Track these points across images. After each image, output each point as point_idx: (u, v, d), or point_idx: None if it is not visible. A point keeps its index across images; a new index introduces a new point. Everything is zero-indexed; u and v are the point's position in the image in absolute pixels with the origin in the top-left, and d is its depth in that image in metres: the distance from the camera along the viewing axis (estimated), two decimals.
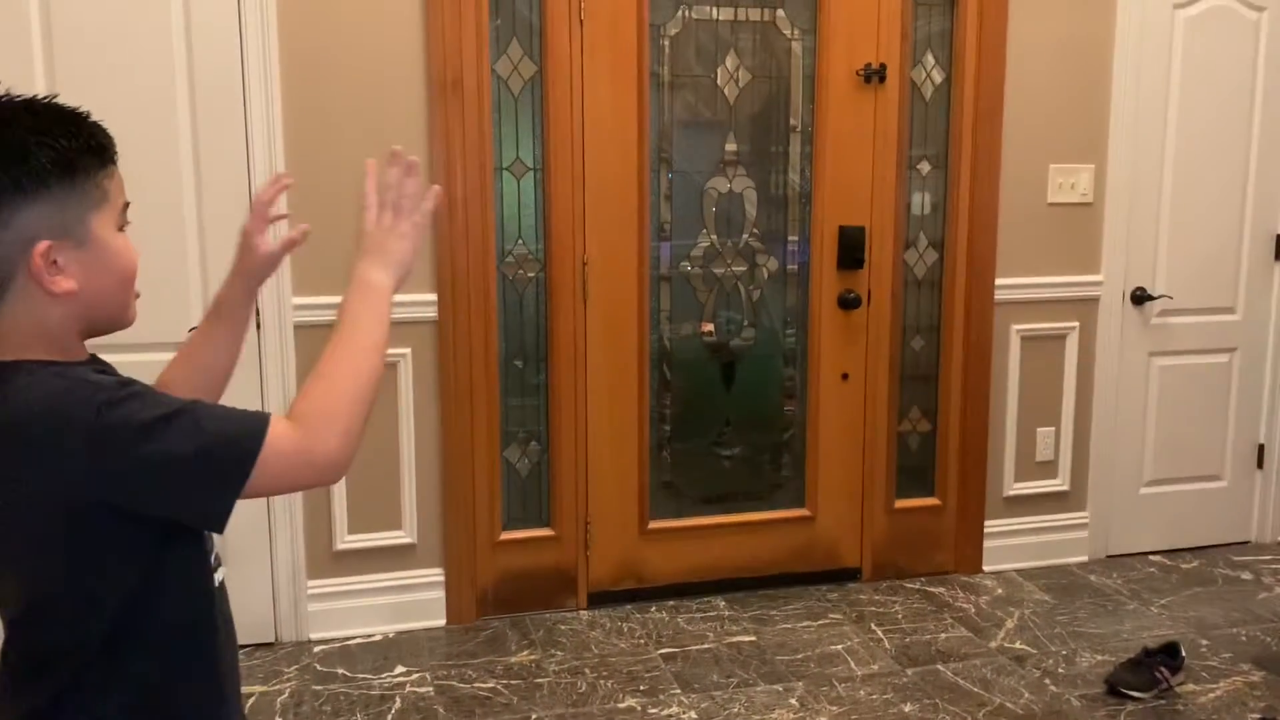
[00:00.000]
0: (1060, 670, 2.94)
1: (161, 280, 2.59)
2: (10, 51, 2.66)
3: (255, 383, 2.89)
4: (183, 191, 2.84)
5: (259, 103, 2.86)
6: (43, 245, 1.06)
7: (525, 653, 3.02)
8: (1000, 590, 3.47)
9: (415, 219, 1.30)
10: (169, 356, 1.41)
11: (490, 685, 2.83)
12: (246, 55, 2.84)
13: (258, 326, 2.88)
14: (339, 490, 3.05)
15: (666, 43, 3.22)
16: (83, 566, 1.09)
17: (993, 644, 3.10)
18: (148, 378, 1.20)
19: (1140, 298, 3.63)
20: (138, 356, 1.49)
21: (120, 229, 1.15)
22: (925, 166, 3.45)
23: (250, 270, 1.42)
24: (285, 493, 1.16)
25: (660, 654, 3.02)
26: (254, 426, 1.07)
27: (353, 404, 1.13)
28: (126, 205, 1.17)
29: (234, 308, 1.41)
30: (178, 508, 1.09)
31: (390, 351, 3.12)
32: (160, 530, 1.11)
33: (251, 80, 2.85)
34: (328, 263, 2.94)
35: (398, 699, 2.75)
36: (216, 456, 1.05)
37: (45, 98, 1.14)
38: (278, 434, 1.07)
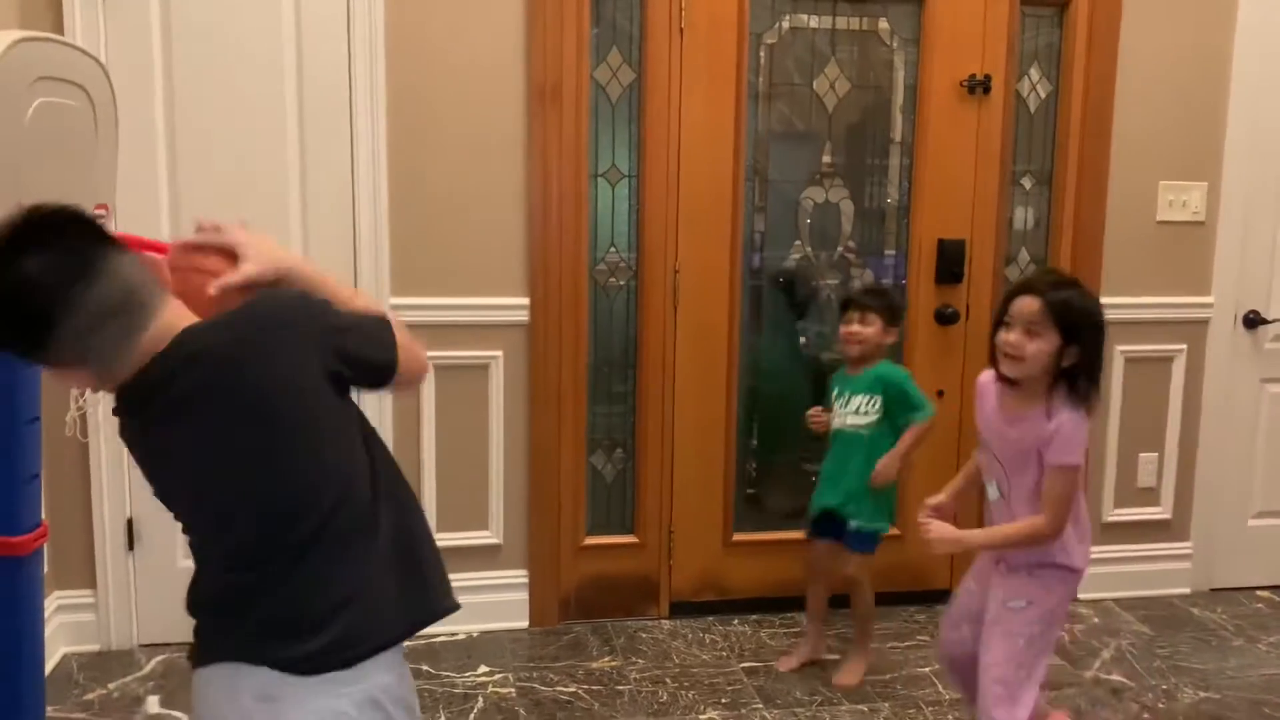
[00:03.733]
0: (1160, 705, 2.82)
1: None
2: (132, 53, 2.77)
3: None
4: (289, 195, 2.92)
5: (364, 108, 2.92)
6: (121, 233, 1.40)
7: (607, 659, 3.02)
8: (1096, 619, 3.36)
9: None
10: None
11: (572, 689, 2.83)
12: (354, 61, 2.90)
13: None
14: (428, 488, 3.09)
15: (765, 52, 3.20)
16: (335, 440, 1.35)
17: (1088, 674, 2.99)
18: None
19: (1253, 321, 3.48)
20: None
21: None
22: (1029, 181, 3.37)
23: None
24: (407, 371, 1.43)
25: (742, 667, 2.98)
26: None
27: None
28: None
29: None
30: (371, 360, 1.37)
31: (481, 353, 3.17)
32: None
33: (358, 86, 2.91)
34: (426, 265, 3.00)
35: (480, 698, 2.77)
36: (379, 320, 1.41)
37: None
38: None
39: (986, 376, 2.23)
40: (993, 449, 2.20)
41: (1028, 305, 2.07)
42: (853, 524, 2.85)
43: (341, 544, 1.35)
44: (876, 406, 2.84)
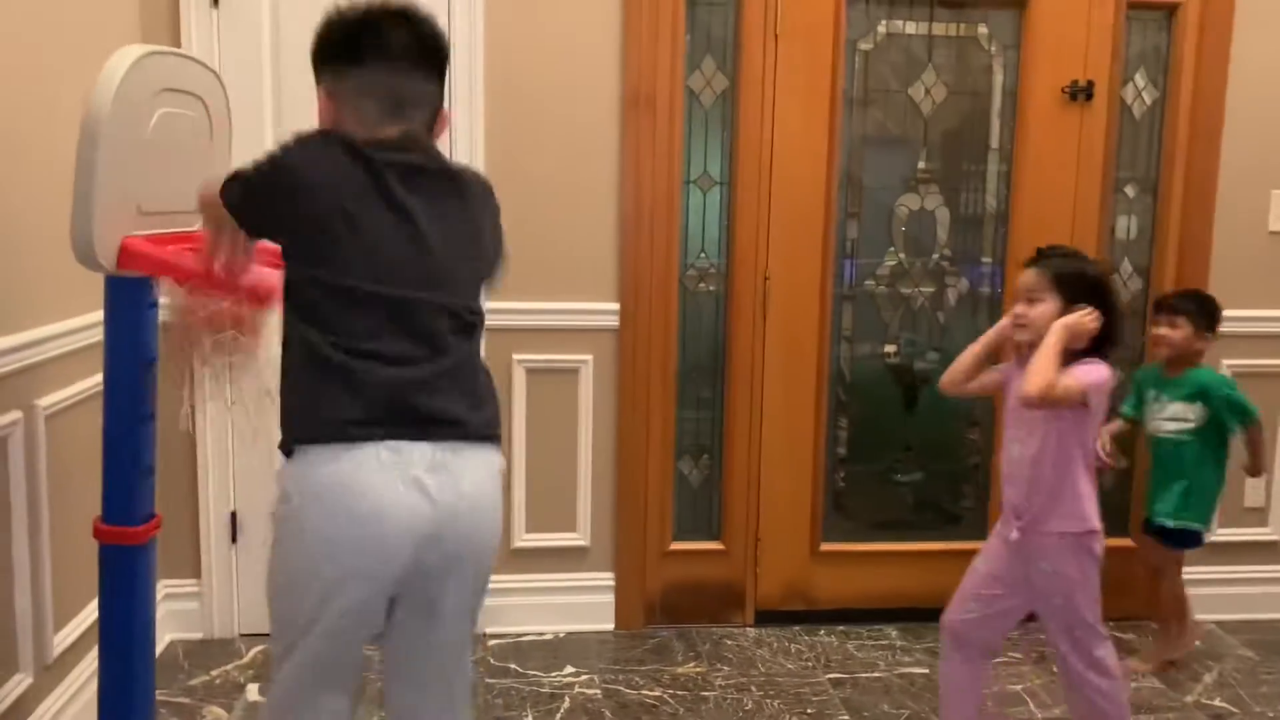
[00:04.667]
0: None
1: None
2: (244, 60, 2.88)
3: None
4: None
5: (463, 115, 2.98)
6: (448, 113, 1.72)
7: (692, 664, 3.02)
8: (1199, 642, 3.24)
9: None
10: None
11: (657, 694, 2.85)
12: (453, 66, 2.95)
13: None
14: (518, 488, 3.14)
15: (860, 58, 3.18)
16: None
17: (1189, 698, 2.89)
18: None
19: None
20: None
21: None
22: (1132, 189, 3.28)
23: None
24: None
25: (829, 678, 2.96)
26: None
27: None
28: None
29: None
30: None
31: (572, 357, 3.20)
32: None
33: (456, 91, 2.97)
34: (520, 268, 3.03)
35: (566, 699, 2.80)
36: None
37: None
38: None
39: (1004, 365, 2.37)
40: (1021, 413, 2.24)
41: (1026, 277, 2.25)
42: (1169, 523, 2.98)
43: None
44: (1197, 415, 2.91)
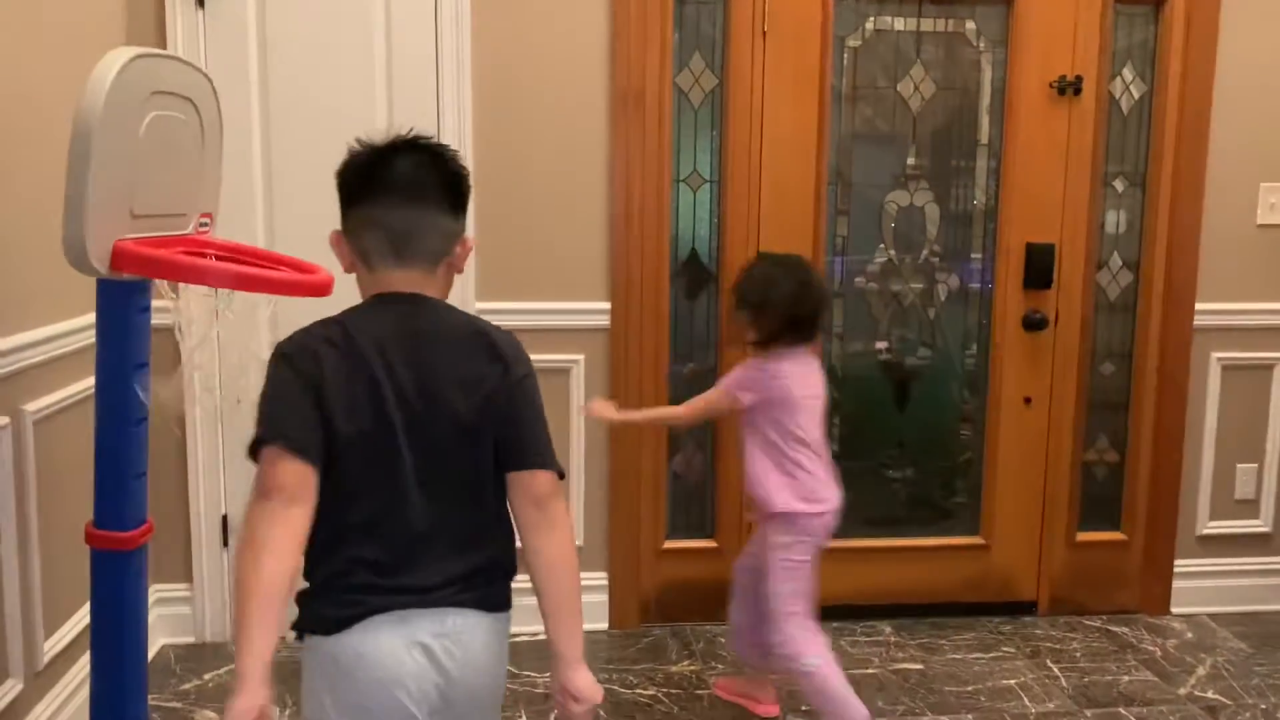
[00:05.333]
0: None
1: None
2: (229, 58, 2.87)
3: None
4: None
5: (450, 113, 2.97)
6: (471, 240, 1.61)
7: (686, 663, 3.02)
8: (1190, 634, 3.26)
9: None
10: None
11: (651, 693, 2.84)
12: (441, 67, 2.96)
13: None
14: None
15: (849, 55, 3.18)
16: None
17: (1182, 691, 2.90)
18: None
19: None
20: None
21: None
22: (1121, 183, 3.29)
23: None
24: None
25: None
26: None
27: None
28: None
29: None
30: None
31: (563, 357, 3.19)
32: None
33: (445, 92, 2.96)
34: (509, 269, 3.04)
35: None
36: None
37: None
38: None
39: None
40: None
41: None
42: None
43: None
44: None
